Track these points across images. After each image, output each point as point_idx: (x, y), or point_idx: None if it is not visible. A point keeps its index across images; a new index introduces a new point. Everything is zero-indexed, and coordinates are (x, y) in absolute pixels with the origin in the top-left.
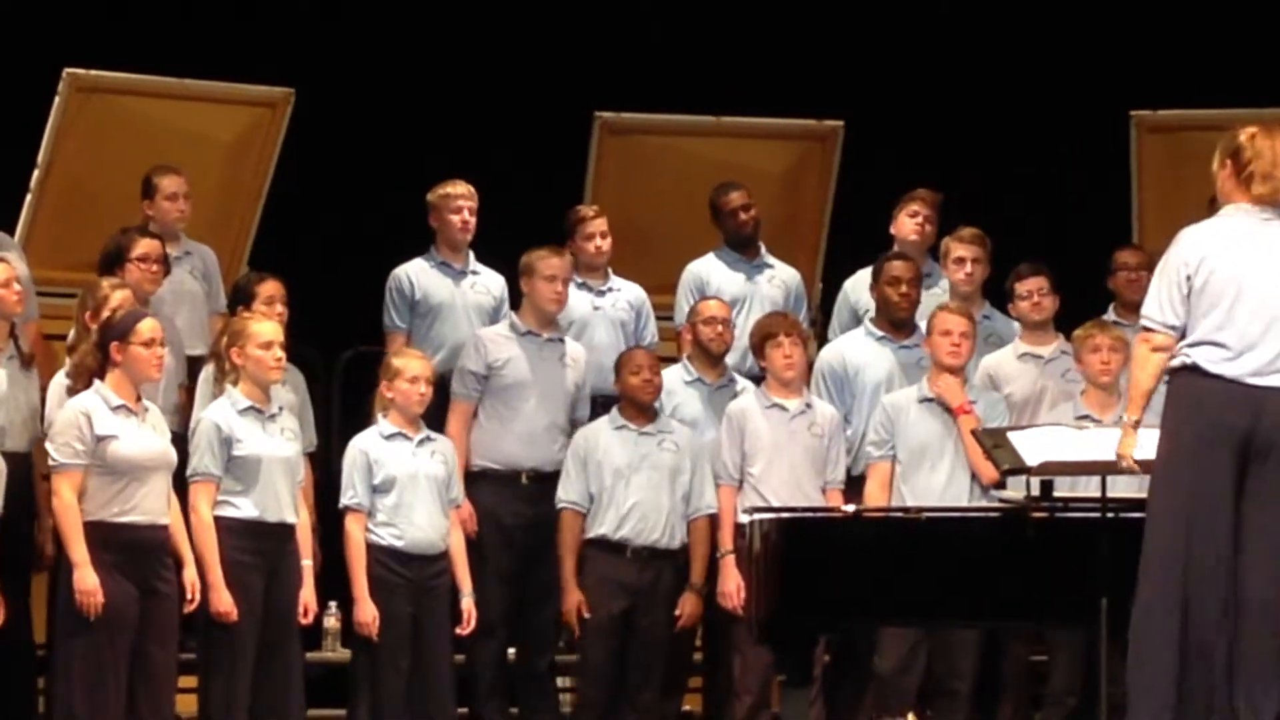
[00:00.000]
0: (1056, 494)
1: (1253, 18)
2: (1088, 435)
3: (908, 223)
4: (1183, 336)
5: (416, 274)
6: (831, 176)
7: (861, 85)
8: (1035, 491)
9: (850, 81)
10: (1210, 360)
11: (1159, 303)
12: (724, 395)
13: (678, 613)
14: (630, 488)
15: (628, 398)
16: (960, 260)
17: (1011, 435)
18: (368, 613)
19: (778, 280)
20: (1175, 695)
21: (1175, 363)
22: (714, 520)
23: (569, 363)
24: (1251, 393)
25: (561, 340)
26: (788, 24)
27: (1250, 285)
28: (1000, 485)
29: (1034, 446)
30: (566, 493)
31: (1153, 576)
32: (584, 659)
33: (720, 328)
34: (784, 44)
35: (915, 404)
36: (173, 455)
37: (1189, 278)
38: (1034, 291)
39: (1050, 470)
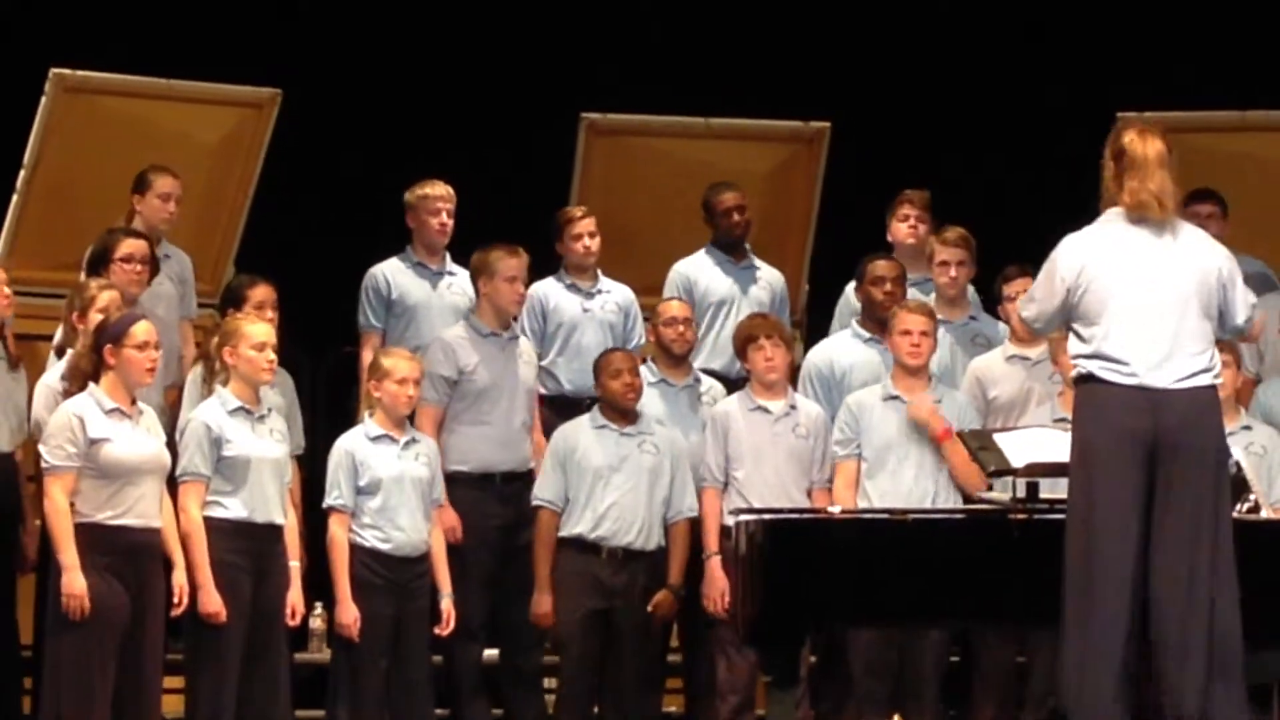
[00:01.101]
0: (1042, 495)
1: (1238, 19)
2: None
3: (900, 227)
4: (1066, 337)
5: (393, 274)
6: (818, 178)
7: (848, 87)
8: (1020, 493)
9: (837, 83)
10: (1105, 369)
11: (1035, 305)
12: (689, 396)
13: (651, 608)
14: (609, 488)
15: (609, 401)
16: (944, 264)
17: (997, 437)
18: (349, 614)
19: (764, 282)
20: (1099, 696)
21: (1074, 373)
22: (694, 523)
23: (527, 362)
24: (1150, 395)
25: (516, 339)
26: (774, 26)
27: (1129, 293)
28: (987, 487)
29: (1019, 448)
30: (543, 491)
31: (1072, 583)
32: (563, 657)
33: (682, 328)
34: (771, 46)
35: (880, 402)
36: (166, 458)
37: (1069, 290)
38: (1022, 293)
39: (1036, 472)
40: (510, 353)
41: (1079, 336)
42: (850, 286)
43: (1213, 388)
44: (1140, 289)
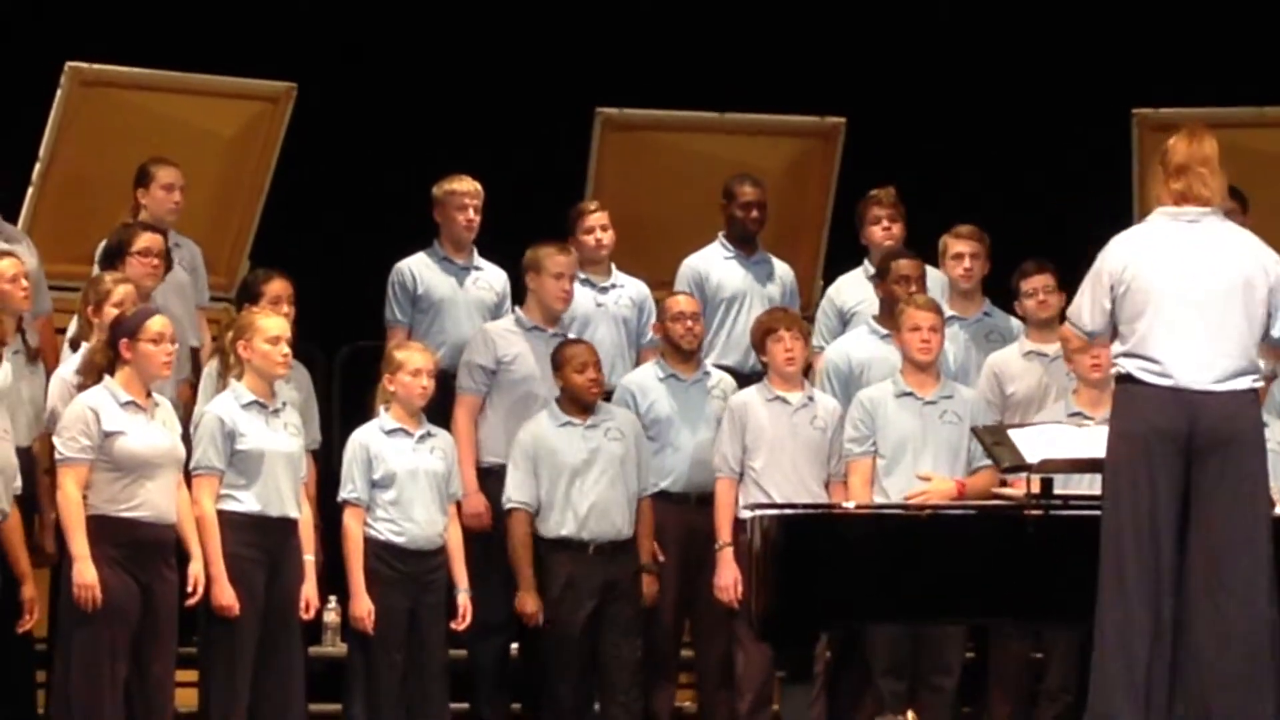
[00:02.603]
0: (1056, 492)
1: (1254, 15)
2: (1087, 433)
3: (874, 230)
4: (1113, 338)
5: (419, 269)
6: (833, 173)
7: (864, 82)
8: (1035, 489)
9: (853, 78)
10: (1143, 369)
11: (1082, 307)
12: (698, 391)
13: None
14: (585, 486)
15: (572, 395)
16: (959, 256)
17: (1011, 433)
18: (363, 607)
19: (775, 277)
20: (1132, 696)
21: (1114, 371)
22: (654, 501)
23: None
24: (1187, 397)
25: (563, 335)
26: (790, 20)
27: (1172, 293)
28: (1002, 483)
29: (1034, 444)
30: (516, 493)
31: (1106, 582)
32: (557, 664)
33: (690, 323)
34: (786, 40)
35: (892, 398)
36: (181, 451)
37: (1113, 287)
38: (1039, 289)
39: (1051, 468)
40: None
41: (1121, 335)
42: (831, 290)
43: (1253, 390)
44: (1182, 290)
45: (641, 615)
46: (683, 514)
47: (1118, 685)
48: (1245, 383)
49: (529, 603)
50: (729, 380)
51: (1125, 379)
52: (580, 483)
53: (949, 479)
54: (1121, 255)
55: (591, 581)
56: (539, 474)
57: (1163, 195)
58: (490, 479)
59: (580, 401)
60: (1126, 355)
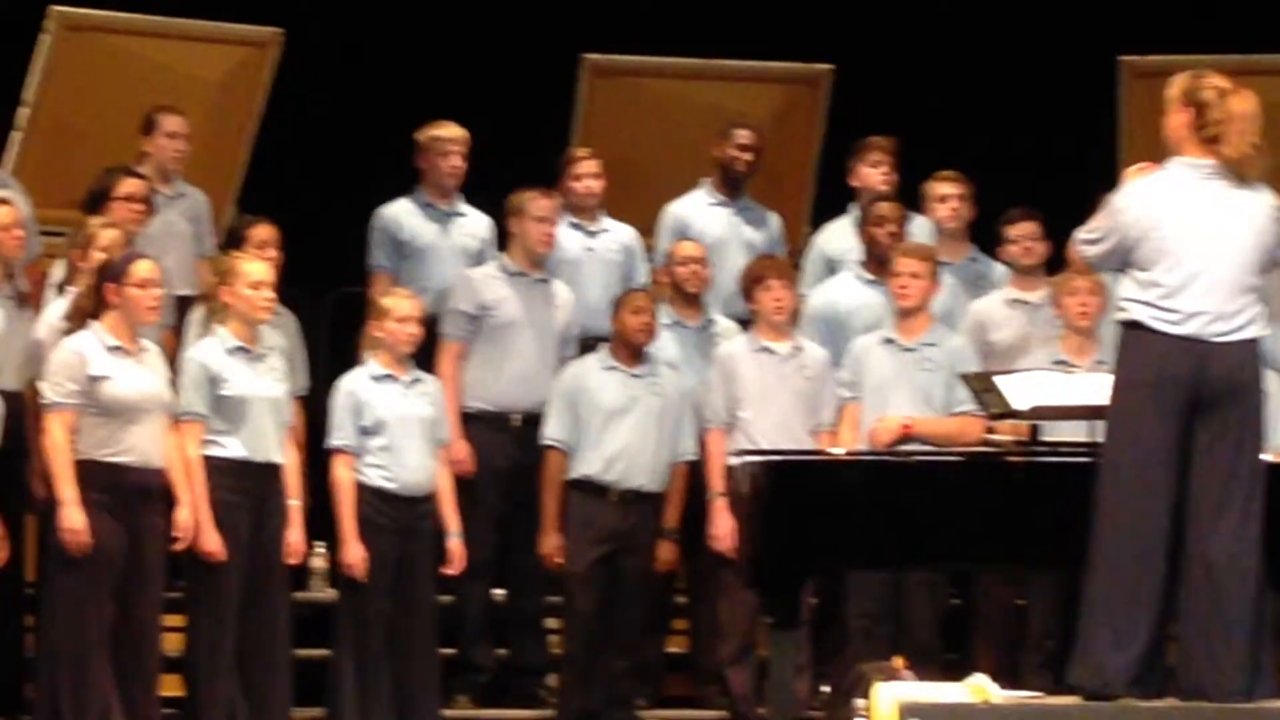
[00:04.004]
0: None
1: None
2: (1073, 380)
3: (873, 173)
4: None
5: (403, 215)
6: (820, 121)
7: (851, 29)
8: (1022, 436)
9: (839, 25)
10: (1155, 318)
11: (1093, 240)
12: (704, 337)
13: (657, 564)
14: (619, 430)
15: (623, 338)
16: (943, 198)
17: (998, 380)
18: (355, 553)
19: (760, 224)
20: (1120, 641)
21: (1121, 317)
22: (693, 466)
23: (558, 303)
24: (1196, 346)
25: (548, 281)
26: None
27: (1189, 245)
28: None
29: (1022, 391)
30: (553, 431)
31: (1101, 526)
32: (569, 607)
33: (696, 266)
34: None
35: (877, 345)
36: (168, 396)
37: (1127, 232)
38: (1025, 236)
39: (1040, 415)
40: (539, 293)
41: (1134, 281)
42: (817, 238)
43: (1256, 340)
44: (1201, 242)
45: (650, 571)
46: (687, 465)
47: (1107, 628)
48: (1252, 331)
49: (550, 542)
50: (734, 327)
51: (1133, 325)
52: (614, 427)
53: (897, 418)
54: (1143, 201)
55: (606, 528)
56: (577, 414)
57: (1188, 146)
58: (472, 425)
59: (630, 344)
60: (1138, 302)
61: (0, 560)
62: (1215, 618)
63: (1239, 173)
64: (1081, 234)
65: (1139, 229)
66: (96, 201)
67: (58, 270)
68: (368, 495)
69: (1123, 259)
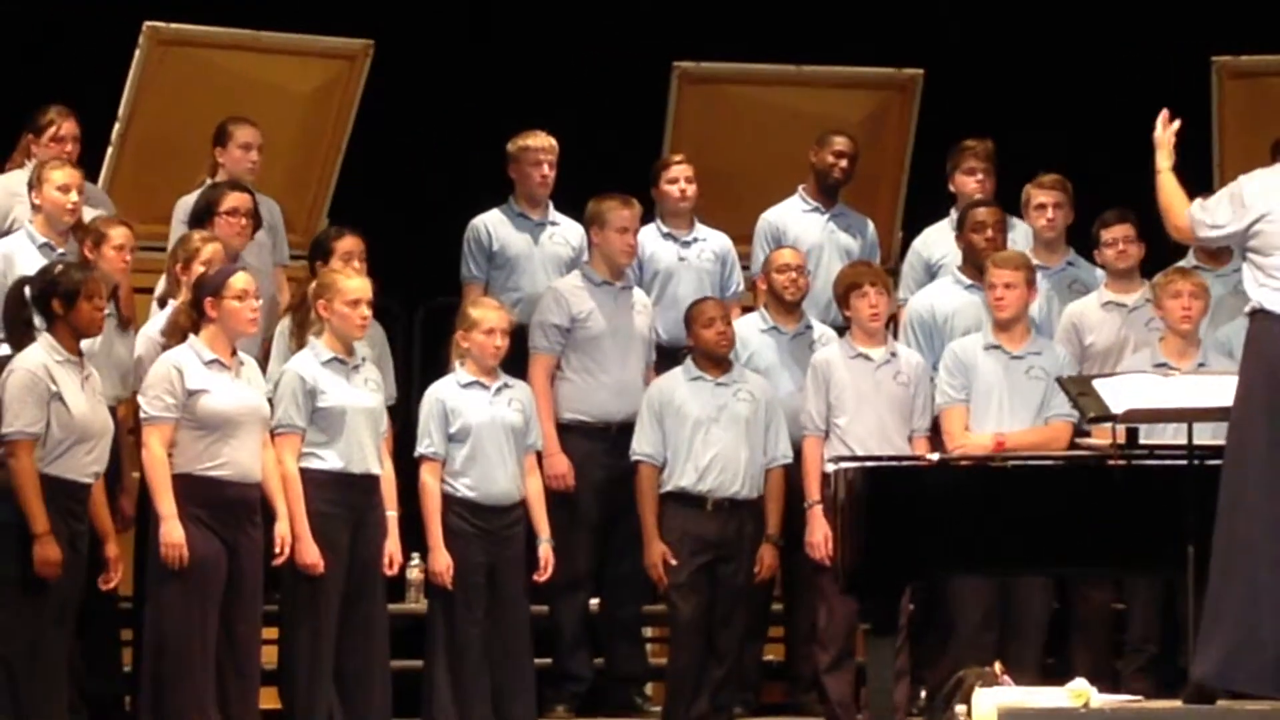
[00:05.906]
0: (1142, 441)
1: None
2: (1172, 382)
3: (967, 180)
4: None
5: (494, 225)
6: (911, 125)
7: (942, 33)
8: (1120, 439)
9: (930, 30)
10: (1277, 304)
11: (1211, 220)
12: (801, 343)
13: (756, 567)
14: (709, 439)
15: (702, 351)
16: (1041, 206)
17: (1096, 383)
18: (442, 562)
19: (854, 230)
20: (1241, 637)
21: (1249, 307)
22: (789, 470)
23: (641, 310)
24: None
25: (630, 289)
26: None
27: None
28: (1085, 433)
29: (1119, 394)
30: (642, 445)
31: (1225, 521)
32: (673, 617)
33: (794, 274)
34: None
35: (981, 351)
36: (265, 410)
37: (1247, 218)
38: (1119, 239)
39: (1136, 418)
40: (624, 302)
41: (1256, 267)
42: (917, 242)
43: None
44: None
45: (750, 577)
46: (783, 469)
47: (1229, 630)
48: None
49: (654, 551)
50: (831, 333)
51: (1259, 314)
52: (704, 436)
53: (987, 435)
54: (1266, 189)
55: (705, 537)
56: (665, 427)
57: None
58: (569, 436)
59: (712, 356)
60: (1265, 288)
61: (114, 581)
62: None
63: None
64: (1199, 213)
65: (1261, 213)
66: (200, 217)
67: (160, 284)
68: (454, 504)
69: (1237, 241)
